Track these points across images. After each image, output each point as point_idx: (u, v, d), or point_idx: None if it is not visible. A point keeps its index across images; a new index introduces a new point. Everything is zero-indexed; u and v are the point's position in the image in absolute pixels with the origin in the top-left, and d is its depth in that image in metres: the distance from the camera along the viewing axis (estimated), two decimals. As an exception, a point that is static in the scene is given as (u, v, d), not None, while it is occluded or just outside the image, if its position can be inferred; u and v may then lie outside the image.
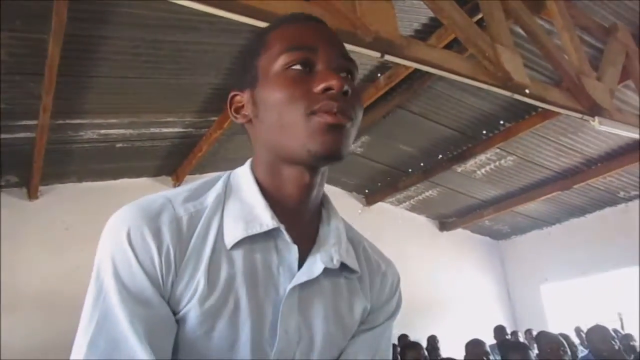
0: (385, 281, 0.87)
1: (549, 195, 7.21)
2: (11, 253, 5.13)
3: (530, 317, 8.43)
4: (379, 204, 8.01)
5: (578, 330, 6.83)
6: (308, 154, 0.69)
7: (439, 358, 4.65)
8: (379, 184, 7.57)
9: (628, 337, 5.31)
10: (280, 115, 0.70)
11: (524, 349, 2.74)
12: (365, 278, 0.83)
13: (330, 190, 6.38)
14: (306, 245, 0.75)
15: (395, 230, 8.10)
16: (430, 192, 7.70)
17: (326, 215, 0.81)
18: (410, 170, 7.05)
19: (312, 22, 0.77)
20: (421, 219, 8.66)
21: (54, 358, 4.42)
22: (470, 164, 6.66)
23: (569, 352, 3.00)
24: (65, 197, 5.78)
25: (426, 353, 3.57)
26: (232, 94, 0.81)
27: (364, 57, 4.51)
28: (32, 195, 5.52)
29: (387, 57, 2.43)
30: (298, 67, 0.71)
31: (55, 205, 5.68)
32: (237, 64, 0.86)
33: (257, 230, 0.71)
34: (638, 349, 4.67)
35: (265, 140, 0.75)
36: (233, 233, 0.71)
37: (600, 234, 7.75)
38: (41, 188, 5.55)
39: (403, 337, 6.29)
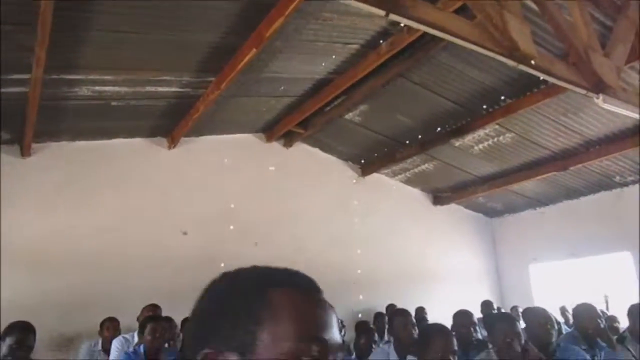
0: None
1: (544, 175, 7.19)
2: (3, 210, 5.09)
3: (517, 296, 8.52)
4: (374, 174, 7.99)
5: (563, 310, 6.93)
6: None
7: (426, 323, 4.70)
8: (376, 154, 7.53)
9: (612, 319, 5.41)
10: None
11: (510, 319, 2.75)
12: None
13: (325, 158, 6.40)
14: None
15: (389, 202, 8.12)
16: (426, 165, 7.67)
17: None
18: (407, 142, 7.00)
19: (321, 297, 0.69)
20: (415, 192, 8.66)
21: (42, 315, 4.45)
22: (468, 138, 6.62)
23: (556, 328, 3.02)
24: (58, 156, 5.72)
25: (414, 321, 3.59)
26: (206, 350, 0.66)
27: (367, 21, 4.45)
28: (24, 152, 5.45)
29: (392, 17, 2.34)
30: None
31: (48, 163, 5.62)
32: (220, 310, 0.70)
33: None
34: (620, 331, 4.73)
35: None
36: None
37: (593, 217, 7.75)
38: (34, 146, 5.47)
39: (391, 307, 6.36)
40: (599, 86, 3.24)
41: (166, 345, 3.70)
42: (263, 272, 0.71)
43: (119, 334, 4.32)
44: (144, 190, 6.02)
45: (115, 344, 3.85)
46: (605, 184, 7.52)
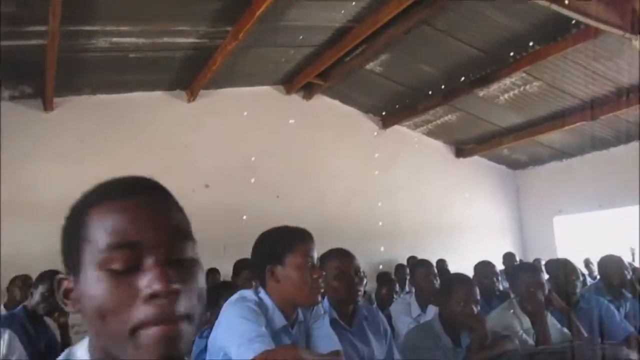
0: None
1: (573, 126, 6.97)
2: (27, 165, 5.18)
3: (540, 249, 8.44)
4: (396, 127, 7.85)
5: (587, 262, 6.87)
6: None
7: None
8: (397, 105, 7.37)
9: (638, 271, 5.32)
10: (101, 326, 0.62)
11: (534, 269, 2.72)
12: None
13: (345, 110, 6.29)
14: None
15: (410, 155, 8.02)
16: (449, 116, 7.49)
17: None
18: (430, 92, 6.81)
19: (141, 200, 0.66)
20: (437, 144, 8.52)
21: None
22: (494, 88, 6.41)
23: (581, 279, 2.98)
24: (80, 110, 5.74)
25: (435, 272, 3.59)
26: (59, 276, 0.70)
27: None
28: (47, 107, 5.49)
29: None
30: (119, 267, 0.61)
31: (70, 117, 5.66)
32: (64, 235, 0.72)
33: None
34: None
35: (95, 340, 0.67)
36: None
37: (621, 168, 7.52)
38: (56, 100, 5.50)
39: (412, 259, 6.39)
40: (636, 28, 3.04)
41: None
42: (86, 193, 0.72)
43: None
44: (165, 144, 6.04)
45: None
46: (636, 133, 7.26)
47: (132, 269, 0.61)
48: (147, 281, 0.60)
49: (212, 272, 5.01)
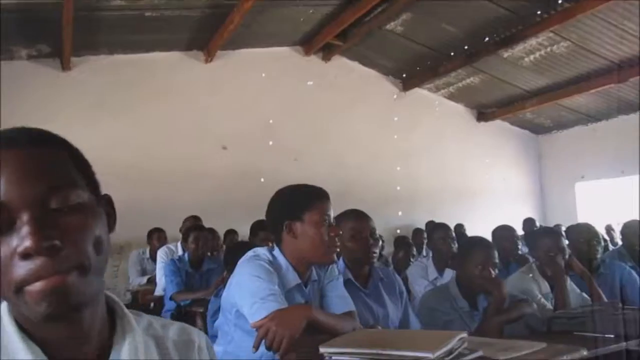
0: (201, 353, 0.76)
1: (600, 88, 6.74)
2: (45, 124, 5.16)
3: (561, 215, 8.32)
4: (416, 89, 7.69)
5: (609, 229, 6.75)
6: (37, 319, 0.58)
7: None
8: (418, 67, 7.20)
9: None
10: None
11: (554, 233, 2.66)
12: None
13: (365, 72, 6.14)
14: None
15: (430, 118, 7.89)
16: (471, 78, 7.30)
17: (121, 331, 0.67)
18: (452, 53, 6.61)
19: (11, 153, 0.59)
20: (459, 108, 8.35)
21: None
22: (519, 49, 6.20)
23: (602, 244, 2.93)
24: (98, 69, 5.74)
25: (453, 235, 3.56)
26: None
27: None
28: (65, 66, 5.49)
29: None
30: None
31: (88, 77, 5.66)
32: None
33: None
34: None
35: None
36: None
37: (648, 133, 7.35)
38: (73, 59, 5.50)
39: (430, 223, 6.36)
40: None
41: (209, 254, 3.84)
42: None
43: (166, 243, 4.51)
44: (183, 105, 6.02)
45: (160, 254, 4.03)
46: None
47: (8, 227, 0.57)
48: (19, 239, 0.56)
49: (230, 233, 5.06)
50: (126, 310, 0.70)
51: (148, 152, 5.63)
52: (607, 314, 1.93)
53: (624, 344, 1.82)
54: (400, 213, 7.29)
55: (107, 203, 0.68)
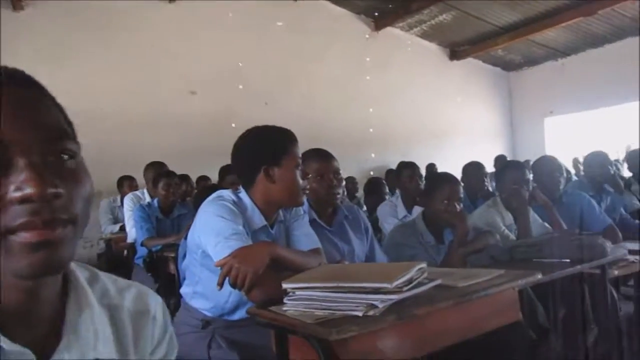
0: (155, 324, 0.74)
1: (570, 22, 6.74)
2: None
3: (531, 150, 8.49)
4: (388, 28, 7.55)
5: (575, 162, 6.92)
6: (14, 276, 0.54)
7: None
8: (390, 5, 7.02)
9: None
10: None
11: (519, 166, 2.72)
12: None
13: (335, 11, 5.92)
14: (50, 347, 0.60)
15: (403, 58, 7.80)
16: (444, 15, 7.18)
17: (75, 303, 0.63)
18: (424, -11, 6.47)
19: (12, 94, 0.55)
20: (432, 47, 8.26)
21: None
22: (490, -17, 6.09)
23: (565, 175, 3.00)
24: (57, 12, 5.40)
25: (421, 173, 3.61)
26: None
27: None
28: (15, 5, 5.15)
29: None
30: None
31: (44, 19, 5.34)
32: None
33: None
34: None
35: None
36: None
37: (616, 65, 7.45)
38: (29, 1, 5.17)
39: (400, 163, 6.42)
40: None
41: (180, 201, 3.82)
42: None
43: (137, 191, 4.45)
44: (148, 49, 5.79)
45: (127, 201, 3.97)
46: (633, 28, 7.07)
47: (5, 168, 0.53)
48: (19, 183, 0.53)
49: (203, 180, 5.03)
50: (81, 279, 0.66)
51: (115, 98, 5.45)
52: (564, 241, 2.01)
53: (579, 267, 1.91)
54: (373, 155, 7.33)
55: None
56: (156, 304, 0.75)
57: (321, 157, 2.02)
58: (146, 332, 0.72)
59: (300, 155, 1.65)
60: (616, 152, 7.18)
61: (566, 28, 7.04)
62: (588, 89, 7.76)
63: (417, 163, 3.81)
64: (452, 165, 5.70)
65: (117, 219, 4.54)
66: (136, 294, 0.73)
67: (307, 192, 1.73)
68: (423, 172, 4.23)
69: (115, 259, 4.10)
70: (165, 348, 0.75)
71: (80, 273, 0.67)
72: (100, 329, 0.64)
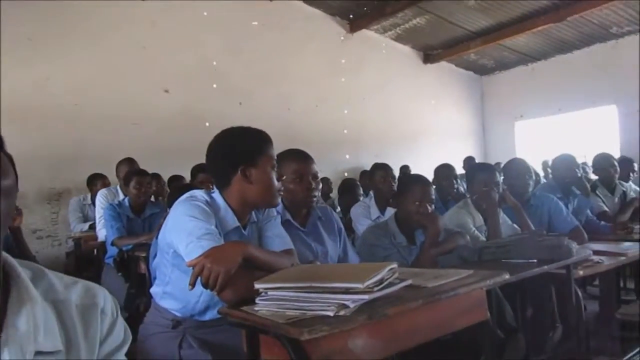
0: (104, 317, 0.76)
1: (540, 28, 6.91)
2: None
3: (501, 153, 8.67)
4: (363, 31, 7.59)
5: (545, 165, 7.10)
6: None
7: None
8: (365, 8, 7.07)
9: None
10: None
11: (490, 168, 2.77)
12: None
13: (311, 12, 5.91)
14: None
15: (377, 60, 7.85)
16: (418, 19, 7.26)
17: (17, 299, 0.65)
18: (398, -7, 6.53)
19: None
20: (406, 50, 8.34)
21: (30, 169, 4.46)
22: (464, -12, 6.19)
23: (534, 178, 3.07)
24: (24, 5, 5.25)
25: (395, 174, 3.64)
26: None
27: None
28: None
29: None
30: None
31: (14, 14, 5.18)
32: None
33: None
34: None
35: None
36: None
37: (583, 71, 7.71)
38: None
39: (373, 165, 6.47)
40: None
41: (153, 200, 3.77)
42: None
43: (110, 190, 4.37)
44: (121, 45, 5.66)
45: (99, 197, 3.90)
46: (600, 35, 7.32)
47: None
48: None
49: (176, 179, 4.96)
50: (23, 275, 0.67)
51: (86, 95, 5.31)
52: (531, 242, 2.06)
53: (546, 267, 1.96)
54: (347, 156, 7.37)
55: (10, 162, 0.68)
56: (105, 298, 0.77)
57: (300, 158, 2.00)
58: (95, 325, 0.74)
59: (274, 156, 1.65)
60: (583, 156, 7.40)
61: (536, 34, 7.21)
62: (555, 94, 7.99)
63: (391, 164, 3.84)
64: (426, 167, 5.78)
65: (87, 218, 4.45)
66: (83, 289, 0.75)
67: (282, 193, 1.72)
68: (397, 173, 4.26)
69: (85, 257, 4.02)
70: (117, 339, 0.77)
71: (22, 270, 0.68)
72: (41, 322, 0.65)
